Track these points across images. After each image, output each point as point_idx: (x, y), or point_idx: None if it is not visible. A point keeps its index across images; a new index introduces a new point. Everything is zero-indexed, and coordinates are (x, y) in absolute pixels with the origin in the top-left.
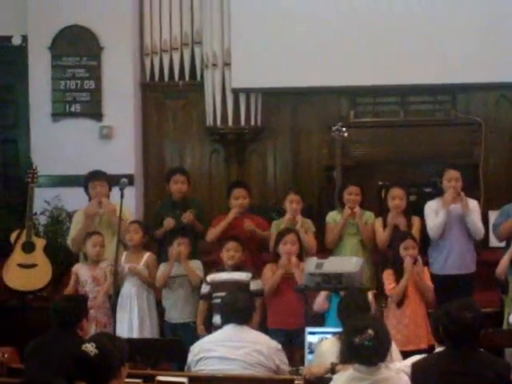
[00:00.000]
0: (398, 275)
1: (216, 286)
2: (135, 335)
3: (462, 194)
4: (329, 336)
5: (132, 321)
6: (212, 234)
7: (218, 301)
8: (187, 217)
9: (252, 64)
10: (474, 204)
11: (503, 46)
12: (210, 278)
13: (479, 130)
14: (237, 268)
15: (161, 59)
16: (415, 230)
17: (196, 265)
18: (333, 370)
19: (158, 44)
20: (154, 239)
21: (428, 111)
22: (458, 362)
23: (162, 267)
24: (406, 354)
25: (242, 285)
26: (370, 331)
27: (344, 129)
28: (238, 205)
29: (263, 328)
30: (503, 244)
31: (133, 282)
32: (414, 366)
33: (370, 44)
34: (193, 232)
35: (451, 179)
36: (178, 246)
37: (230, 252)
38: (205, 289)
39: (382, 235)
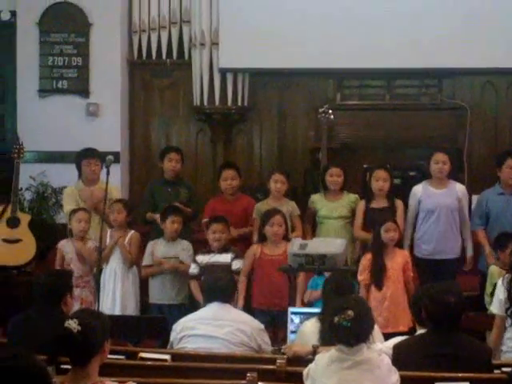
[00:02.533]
0: (378, 259)
1: (203, 268)
2: (117, 312)
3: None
4: (312, 317)
5: (115, 298)
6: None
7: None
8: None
9: (240, 44)
10: (463, 192)
11: (490, 32)
12: (199, 259)
13: (464, 115)
14: (223, 250)
15: (149, 37)
16: (399, 214)
17: (185, 245)
18: (315, 353)
19: (147, 22)
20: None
21: (414, 95)
22: (440, 344)
23: (151, 246)
24: (385, 336)
25: (228, 267)
26: (350, 312)
27: (330, 111)
28: (226, 186)
29: (247, 308)
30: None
31: (117, 260)
32: (396, 347)
33: (357, 27)
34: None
35: (439, 162)
36: (172, 224)
37: (216, 234)
38: (194, 269)
39: (357, 220)
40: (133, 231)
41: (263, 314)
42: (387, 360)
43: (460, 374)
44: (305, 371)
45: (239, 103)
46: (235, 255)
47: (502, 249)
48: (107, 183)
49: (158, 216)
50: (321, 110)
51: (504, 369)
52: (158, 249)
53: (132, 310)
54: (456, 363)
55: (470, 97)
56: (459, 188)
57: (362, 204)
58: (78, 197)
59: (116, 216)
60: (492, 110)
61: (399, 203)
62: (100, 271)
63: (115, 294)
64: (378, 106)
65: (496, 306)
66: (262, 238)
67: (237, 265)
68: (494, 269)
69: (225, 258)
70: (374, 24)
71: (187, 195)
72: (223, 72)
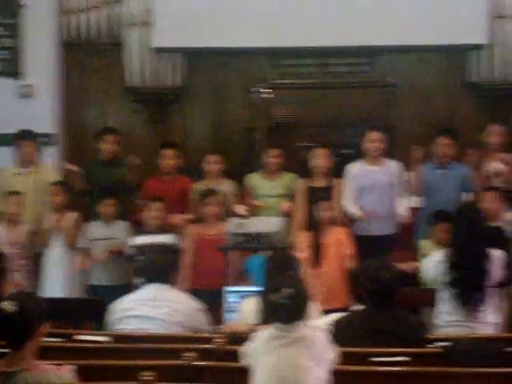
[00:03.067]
0: (315, 237)
1: (141, 249)
2: (59, 295)
3: None
4: (249, 295)
5: (58, 281)
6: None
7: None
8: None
9: (174, 23)
10: (397, 168)
11: (421, 9)
12: (135, 240)
13: (396, 93)
14: (161, 230)
15: (81, 18)
16: (336, 192)
17: (122, 226)
18: (253, 331)
19: (79, 2)
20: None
21: (347, 73)
22: (376, 319)
23: (86, 228)
24: (324, 313)
25: (167, 248)
26: (287, 289)
27: (265, 90)
28: (164, 164)
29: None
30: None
31: (59, 243)
32: (335, 324)
33: (291, 6)
34: (123, 191)
35: (374, 140)
36: (106, 207)
37: (154, 213)
38: (130, 251)
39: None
40: (71, 213)
41: (203, 294)
42: (323, 336)
43: (397, 349)
44: (243, 349)
45: (174, 83)
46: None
47: (434, 226)
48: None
49: None
50: (256, 89)
51: (439, 343)
52: (95, 231)
53: (76, 292)
54: (393, 338)
55: (402, 74)
56: (393, 165)
57: (301, 183)
58: (12, 179)
59: (54, 198)
60: (423, 87)
61: (336, 181)
62: (39, 254)
63: (58, 278)
64: (313, 85)
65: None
66: (199, 218)
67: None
68: (424, 242)
69: (164, 238)
70: (308, 3)
71: (124, 174)
72: (157, 52)
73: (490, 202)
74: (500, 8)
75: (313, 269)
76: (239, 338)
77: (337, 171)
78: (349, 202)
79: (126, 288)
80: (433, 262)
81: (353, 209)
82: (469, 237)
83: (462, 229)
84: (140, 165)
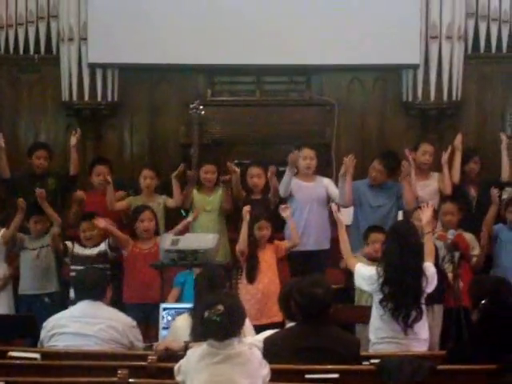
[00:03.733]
0: (251, 253)
1: (75, 259)
2: None
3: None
4: (184, 312)
5: None
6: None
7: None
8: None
9: (109, 39)
10: (329, 184)
11: (356, 29)
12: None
13: (332, 111)
14: (96, 244)
15: (16, 32)
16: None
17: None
18: (186, 348)
19: (14, 17)
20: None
21: (283, 91)
22: (309, 336)
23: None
24: (259, 328)
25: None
26: (220, 306)
27: (201, 107)
28: (99, 181)
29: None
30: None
31: None
32: (266, 340)
33: (227, 24)
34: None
35: (306, 157)
36: (35, 224)
37: (87, 233)
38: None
39: None
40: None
41: (134, 310)
42: (258, 353)
43: (329, 366)
44: (176, 367)
45: (109, 98)
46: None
47: (367, 241)
48: None
49: None
50: (192, 106)
51: (372, 360)
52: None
53: (4, 306)
54: (326, 355)
55: (338, 93)
56: (326, 181)
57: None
58: None
59: None
60: (359, 106)
61: None
62: None
63: None
64: (249, 102)
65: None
66: (133, 233)
67: None
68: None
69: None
70: (244, 20)
71: (54, 185)
72: (92, 67)
73: (419, 220)
74: (434, 29)
75: (249, 284)
76: (172, 355)
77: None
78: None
79: (55, 295)
80: (367, 279)
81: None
82: (402, 253)
83: (395, 245)
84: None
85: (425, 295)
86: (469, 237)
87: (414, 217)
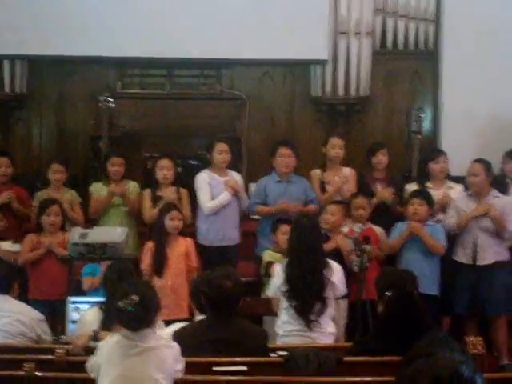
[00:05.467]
0: (160, 247)
1: None
2: None
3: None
4: (92, 305)
5: None
6: None
7: None
8: None
9: (17, 30)
10: (239, 179)
11: (266, 25)
12: None
13: (243, 105)
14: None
15: None
16: (184, 202)
17: None
18: (96, 338)
19: None
20: None
21: (194, 85)
22: (218, 329)
23: None
24: (168, 324)
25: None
26: (135, 296)
27: (111, 99)
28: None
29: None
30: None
31: None
32: (175, 334)
33: (138, 16)
34: None
35: (221, 152)
36: None
37: None
38: None
39: (149, 210)
40: None
41: (42, 305)
42: (176, 349)
43: (238, 359)
44: (88, 364)
45: (17, 90)
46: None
47: (275, 233)
48: None
49: None
50: (101, 99)
51: (280, 352)
52: None
53: None
54: (234, 348)
55: (248, 87)
56: (236, 175)
57: (148, 192)
58: None
59: None
60: (269, 100)
61: (184, 192)
62: None
63: None
64: (159, 96)
65: (270, 289)
66: (39, 228)
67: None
68: (267, 253)
69: (4, 245)
70: (155, 14)
71: None
72: (0, 59)
73: (332, 214)
74: (343, 25)
75: (157, 279)
76: (81, 348)
77: (182, 181)
78: (208, 202)
79: None
80: (275, 272)
81: (213, 205)
82: (304, 247)
83: (297, 240)
84: None
85: (331, 290)
86: (379, 231)
87: (326, 210)
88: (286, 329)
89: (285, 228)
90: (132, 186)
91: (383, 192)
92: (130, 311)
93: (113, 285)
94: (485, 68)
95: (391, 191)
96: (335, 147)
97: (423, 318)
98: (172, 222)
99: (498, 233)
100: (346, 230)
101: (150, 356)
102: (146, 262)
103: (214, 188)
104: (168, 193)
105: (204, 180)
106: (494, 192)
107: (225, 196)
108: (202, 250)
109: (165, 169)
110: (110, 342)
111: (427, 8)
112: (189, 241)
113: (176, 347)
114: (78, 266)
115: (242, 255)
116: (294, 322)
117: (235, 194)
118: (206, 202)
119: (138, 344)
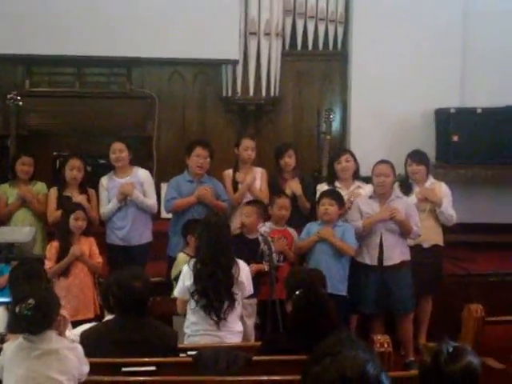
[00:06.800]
0: (65, 247)
1: None
2: None
3: None
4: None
5: None
6: None
7: None
8: None
9: None
10: (144, 176)
11: (176, 23)
12: None
13: (153, 104)
14: None
15: None
16: (93, 203)
17: None
18: (2, 340)
19: None
20: None
21: (103, 83)
22: (127, 330)
23: None
24: (75, 324)
25: None
26: (31, 300)
27: (19, 97)
28: None
29: None
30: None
31: None
32: (83, 334)
33: (46, 12)
34: None
35: (115, 150)
36: None
37: None
38: None
39: (53, 211)
40: None
41: None
42: (79, 350)
43: (147, 359)
44: None
45: None
46: None
47: (189, 235)
48: None
49: None
50: (9, 96)
51: (189, 352)
52: None
53: None
54: (143, 348)
55: (158, 86)
56: (141, 173)
57: (54, 191)
58: None
59: None
60: (179, 100)
61: (91, 192)
62: None
63: None
64: (68, 93)
65: (179, 291)
66: None
67: None
68: (181, 256)
69: None
70: (65, 11)
71: None
72: None
73: (247, 216)
74: (253, 25)
75: (63, 279)
76: None
77: (92, 180)
78: (104, 207)
79: None
80: (184, 273)
81: (106, 209)
82: (213, 247)
83: (206, 239)
84: None
85: (239, 286)
86: (293, 232)
87: (242, 212)
88: (193, 328)
89: (190, 236)
90: (40, 188)
91: (293, 183)
92: (27, 315)
93: (18, 285)
94: (393, 69)
95: (297, 181)
96: (248, 149)
97: (330, 317)
98: (76, 222)
99: (403, 234)
100: (264, 229)
101: (51, 358)
102: (50, 261)
103: (111, 190)
104: (75, 193)
105: (102, 185)
106: (397, 192)
107: (113, 204)
108: (110, 249)
109: (75, 169)
110: (13, 345)
111: (336, 10)
112: (91, 239)
113: (79, 348)
114: None
115: (152, 255)
116: (201, 321)
117: (124, 199)
118: (101, 207)
119: (38, 346)
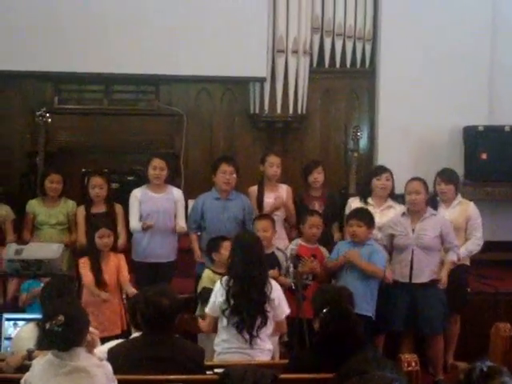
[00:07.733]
0: (95, 263)
1: None
2: None
3: None
4: (27, 322)
5: None
6: None
7: None
8: None
9: None
10: (178, 195)
11: (206, 41)
12: None
13: (181, 121)
14: None
15: None
16: (119, 218)
17: None
18: (30, 357)
19: None
20: None
21: (131, 101)
22: (154, 347)
23: None
24: (102, 340)
25: None
26: (61, 317)
27: (47, 114)
28: None
29: None
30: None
31: None
32: (110, 351)
33: (76, 31)
34: None
35: (155, 167)
36: None
37: None
38: None
39: (82, 230)
40: None
41: None
42: (108, 368)
43: (173, 376)
44: (22, 380)
45: None
46: None
47: (215, 252)
48: None
49: None
50: (38, 113)
51: (216, 370)
52: None
53: None
54: (170, 365)
55: (186, 103)
56: (176, 192)
57: (81, 210)
58: None
59: None
60: (207, 117)
61: (119, 207)
62: None
63: None
64: (96, 111)
65: (210, 307)
66: None
67: None
68: (206, 272)
69: None
70: (93, 28)
71: None
72: None
73: (265, 231)
74: (281, 43)
75: (92, 296)
76: (13, 368)
77: (119, 197)
78: (135, 221)
79: None
80: (215, 289)
81: (137, 226)
82: (247, 264)
83: (239, 256)
84: None
85: (270, 304)
86: (324, 251)
87: (256, 228)
88: (224, 346)
89: (226, 244)
90: (71, 207)
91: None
92: (57, 332)
93: (50, 302)
94: (421, 86)
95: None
96: (273, 165)
97: (357, 336)
98: (101, 240)
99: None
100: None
101: (80, 375)
102: (87, 276)
103: (144, 204)
104: (100, 209)
105: (135, 197)
106: (430, 210)
107: (137, 226)
108: (136, 266)
109: (97, 187)
110: (42, 361)
111: (364, 27)
112: (120, 256)
113: (107, 366)
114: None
115: (180, 271)
116: (233, 339)
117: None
118: (131, 220)
119: (67, 363)
